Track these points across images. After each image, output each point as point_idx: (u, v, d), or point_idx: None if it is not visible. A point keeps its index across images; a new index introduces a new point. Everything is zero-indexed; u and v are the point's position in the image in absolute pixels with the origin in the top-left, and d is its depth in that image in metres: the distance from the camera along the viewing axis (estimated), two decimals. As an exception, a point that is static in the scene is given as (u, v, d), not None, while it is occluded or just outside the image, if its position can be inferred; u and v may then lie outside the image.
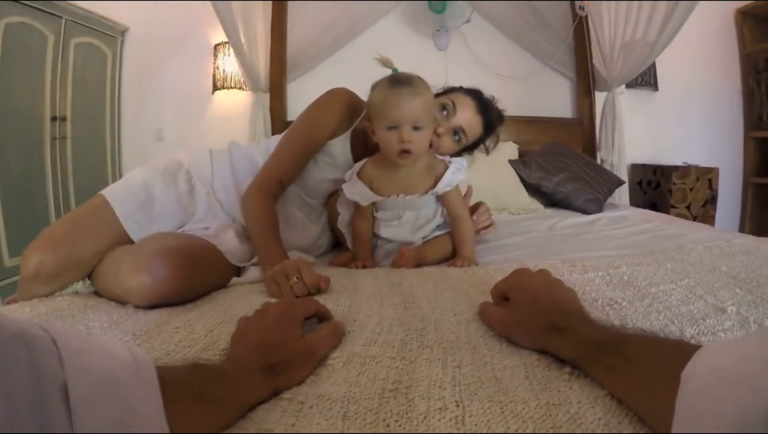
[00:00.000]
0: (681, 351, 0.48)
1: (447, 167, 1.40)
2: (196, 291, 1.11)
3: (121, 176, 3.37)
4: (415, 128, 1.27)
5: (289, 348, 0.67)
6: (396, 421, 0.55)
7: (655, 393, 0.50)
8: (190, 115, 3.54)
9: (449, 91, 1.57)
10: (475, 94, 1.56)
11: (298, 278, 1.04)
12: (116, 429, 0.37)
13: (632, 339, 0.60)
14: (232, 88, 3.40)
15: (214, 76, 3.43)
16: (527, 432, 0.52)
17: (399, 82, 1.28)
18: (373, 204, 1.46)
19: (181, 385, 0.50)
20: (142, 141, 3.55)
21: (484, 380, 0.64)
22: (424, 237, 1.47)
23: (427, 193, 1.41)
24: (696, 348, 0.47)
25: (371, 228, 1.48)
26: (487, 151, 1.70)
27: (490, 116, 1.56)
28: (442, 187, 1.40)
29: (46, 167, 2.87)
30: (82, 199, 1.31)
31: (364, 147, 1.48)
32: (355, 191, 1.42)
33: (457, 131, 1.50)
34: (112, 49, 3.38)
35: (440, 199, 1.46)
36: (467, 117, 1.50)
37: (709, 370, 0.42)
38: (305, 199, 1.58)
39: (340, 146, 1.48)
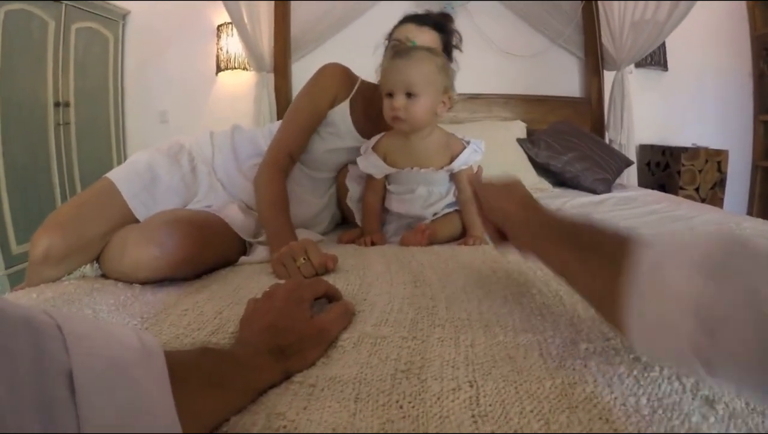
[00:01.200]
0: (624, 241, 0.54)
1: (464, 147, 1.43)
2: (205, 264, 1.12)
3: (125, 159, 3.35)
4: (409, 95, 1.30)
5: (299, 330, 0.66)
6: (409, 403, 0.54)
7: (607, 279, 0.54)
8: (194, 97, 3.52)
9: (398, 24, 1.53)
10: (420, 19, 1.51)
11: (305, 259, 1.04)
12: (123, 416, 0.36)
13: (586, 227, 0.65)
14: (236, 68, 3.37)
15: (217, 57, 3.40)
16: (543, 412, 0.51)
17: (399, 52, 1.34)
18: (386, 178, 1.47)
19: (190, 370, 0.49)
20: (146, 124, 3.53)
21: (498, 359, 0.63)
22: (434, 214, 1.46)
23: (442, 169, 1.42)
24: (634, 238, 0.53)
25: (381, 202, 1.49)
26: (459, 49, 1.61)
27: (444, 29, 1.52)
28: (457, 165, 1.42)
29: (51, 153, 2.86)
30: (87, 184, 1.31)
31: (363, 115, 1.52)
32: (369, 163, 1.43)
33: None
34: (113, 33, 3.35)
35: (454, 178, 1.46)
36: (425, 41, 1.45)
37: (654, 262, 0.48)
38: (309, 174, 1.59)
39: (340, 114, 1.51)
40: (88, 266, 1.18)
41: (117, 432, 0.36)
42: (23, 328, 0.34)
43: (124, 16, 3.43)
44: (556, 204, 2.15)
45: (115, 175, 1.29)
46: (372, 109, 1.50)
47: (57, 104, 2.87)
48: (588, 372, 0.58)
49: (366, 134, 1.52)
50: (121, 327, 0.43)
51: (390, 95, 1.33)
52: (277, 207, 1.33)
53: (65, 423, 0.33)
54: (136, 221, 1.23)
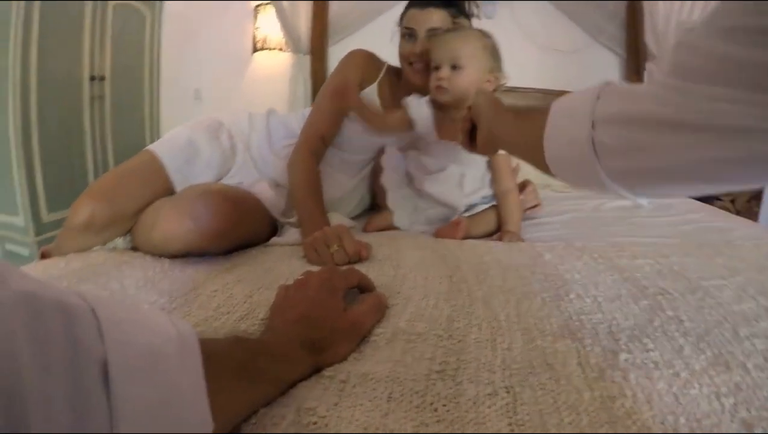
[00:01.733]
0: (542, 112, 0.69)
1: None
2: (236, 240, 1.12)
3: (159, 136, 3.38)
4: (454, 68, 1.34)
5: (331, 322, 0.64)
6: (444, 406, 0.52)
7: (532, 138, 0.71)
8: (229, 75, 3.51)
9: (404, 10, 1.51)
10: (422, 2, 1.48)
11: (338, 246, 1.02)
12: (156, 409, 0.34)
13: (520, 114, 0.86)
14: (272, 49, 3.35)
15: (254, 36, 3.39)
16: (581, 425, 0.49)
17: (451, 29, 1.39)
18: (418, 150, 1.48)
19: (223, 361, 0.47)
20: (180, 101, 3.54)
21: (535, 365, 0.61)
22: (469, 206, 1.43)
23: None
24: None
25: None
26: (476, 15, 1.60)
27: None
28: None
29: (85, 126, 2.89)
30: (120, 158, 1.32)
31: (391, 98, 1.53)
32: (420, 110, 1.42)
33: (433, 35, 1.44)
34: (150, 11, 3.35)
35: (491, 164, 1.46)
36: (431, 21, 1.43)
37: (559, 116, 0.67)
38: (341, 156, 1.59)
39: (369, 97, 1.52)
40: (121, 240, 1.19)
41: (148, 425, 0.34)
42: (56, 312, 0.32)
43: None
44: (592, 204, 2.12)
45: (157, 148, 1.30)
46: (400, 93, 1.51)
47: (92, 78, 2.89)
48: (627, 386, 0.56)
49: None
50: (156, 314, 0.41)
51: (436, 68, 1.36)
52: (310, 190, 1.34)
53: (96, 414, 0.31)
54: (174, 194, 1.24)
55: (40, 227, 2.61)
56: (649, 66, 0.70)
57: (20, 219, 2.58)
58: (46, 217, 2.64)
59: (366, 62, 1.54)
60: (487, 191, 1.46)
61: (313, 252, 1.05)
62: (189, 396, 0.38)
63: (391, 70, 1.56)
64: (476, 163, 1.45)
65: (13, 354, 0.28)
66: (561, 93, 2.36)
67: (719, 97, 0.45)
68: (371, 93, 1.52)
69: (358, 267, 0.91)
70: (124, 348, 0.34)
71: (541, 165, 0.70)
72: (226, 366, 0.47)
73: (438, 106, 1.41)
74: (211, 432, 0.39)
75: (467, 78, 1.35)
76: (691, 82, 0.48)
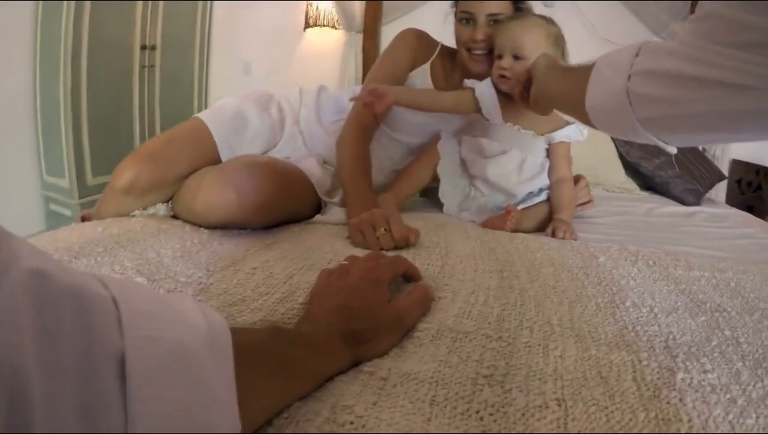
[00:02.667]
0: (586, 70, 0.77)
1: (568, 123, 1.44)
2: (279, 215, 1.10)
3: (206, 106, 3.40)
4: (516, 57, 1.32)
5: (375, 314, 0.60)
6: (490, 415, 0.48)
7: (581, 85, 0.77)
8: (279, 50, 3.51)
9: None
10: None
11: (386, 229, 0.99)
12: (180, 411, 0.31)
13: (568, 71, 0.94)
14: (324, 26, 3.33)
15: (306, 13, 3.38)
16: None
17: (515, 17, 1.36)
18: (479, 133, 1.46)
19: (259, 353, 0.45)
20: (229, 73, 3.55)
21: (589, 377, 0.56)
22: (524, 197, 1.41)
23: (542, 135, 1.43)
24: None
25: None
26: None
27: None
28: (559, 135, 1.43)
29: (134, 93, 2.94)
30: (167, 127, 1.32)
31: (444, 78, 1.51)
32: (487, 96, 1.40)
33: (493, 20, 1.39)
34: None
35: (550, 151, 1.44)
36: (491, 5, 1.38)
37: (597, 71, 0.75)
38: (389, 135, 1.56)
39: (420, 78, 1.50)
40: (163, 207, 1.17)
41: (168, 428, 0.30)
42: (69, 299, 0.29)
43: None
44: (644, 208, 2.05)
45: (206, 116, 1.29)
46: (453, 74, 1.51)
47: (144, 47, 2.93)
48: (683, 409, 0.52)
49: None
50: (186, 303, 0.38)
51: (499, 57, 1.34)
52: (360, 168, 1.30)
53: (109, 416, 0.28)
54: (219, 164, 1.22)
55: (84, 189, 2.67)
56: (673, 26, 0.68)
57: (65, 181, 2.64)
58: (90, 180, 2.70)
59: (418, 41, 1.51)
60: (545, 180, 1.43)
61: (358, 234, 1.02)
62: (216, 395, 0.34)
63: (445, 50, 1.53)
64: (537, 150, 1.43)
65: (19, 346, 0.25)
66: None
67: (731, 57, 0.53)
68: (423, 73, 1.49)
69: (404, 254, 0.87)
70: (146, 343, 0.31)
71: (583, 116, 0.78)
72: (259, 359, 0.44)
73: (501, 91, 1.39)
74: (238, 431, 0.35)
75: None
76: (712, 43, 0.55)
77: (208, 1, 3.42)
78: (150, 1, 2.92)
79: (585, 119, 0.78)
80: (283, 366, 0.47)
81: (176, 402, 0.31)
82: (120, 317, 0.30)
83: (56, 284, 0.28)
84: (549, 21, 1.37)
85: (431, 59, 1.51)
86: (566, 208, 1.37)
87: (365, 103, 1.23)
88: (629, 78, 0.65)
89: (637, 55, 0.66)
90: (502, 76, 1.34)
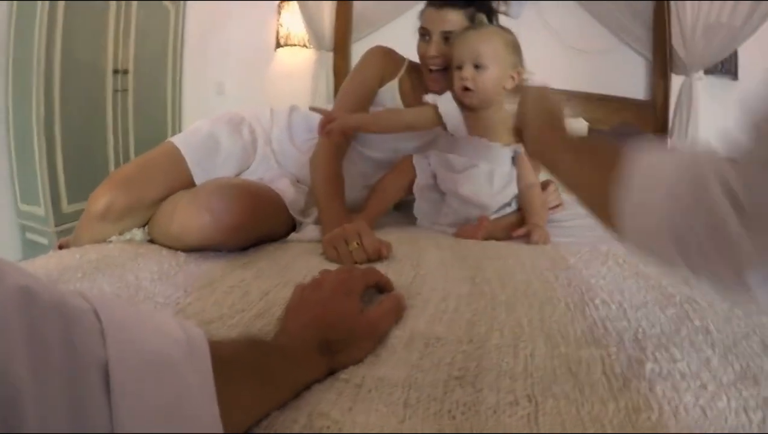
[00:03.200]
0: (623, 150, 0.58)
1: None
2: (254, 236, 1.11)
3: (181, 129, 3.40)
4: (477, 67, 1.32)
5: (348, 324, 0.62)
6: (462, 413, 0.50)
7: (603, 179, 0.58)
8: (251, 70, 3.52)
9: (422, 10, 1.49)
10: (438, 2, 1.44)
11: (358, 243, 1.01)
12: (161, 417, 0.33)
13: (582, 146, 0.75)
14: (295, 45, 3.36)
15: (277, 32, 3.40)
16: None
17: (471, 27, 1.36)
18: (445, 148, 1.47)
19: (235, 365, 0.46)
20: (202, 95, 3.55)
21: (558, 373, 0.58)
22: (498, 208, 1.42)
23: (508, 146, 1.42)
24: (621, 152, 0.58)
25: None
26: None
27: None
28: None
29: (107, 118, 2.92)
30: (141, 152, 1.33)
31: (412, 93, 1.52)
32: (450, 109, 1.39)
33: (446, 37, 1.41)
34: (174, 5, 3.38)
35: (516, 160, 1.44)
36: (446, 22, 1.40)
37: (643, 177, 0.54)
38: (361, 151, 1.58)
39: (390, 93, 1.52)
40: (139, 232, 1.18)
41: (152, 431, 0.32)
42: (54, 314, 0.30)
43: (187, -9, 3.45)
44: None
45: (178, 140, 1.30)
46: (421, 88, 1.50)
47: (116, 71, 2.91)
48: (653, 398, 0.53)
49: None
50: (164, 316, 0.40)
51: (459, 67, 1.34)
52: (333, 186, 1.33)
53: (96, 421, 0.30)
54: (193, 187, 1.23)
55: (60, 217, 2.64)
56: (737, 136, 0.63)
57: (41, 209, 2.61)
58: (66, 207, 2.67)
59: (385, 58, 1.54)
60: (515, 190, 1.44)
61: (332, 250, 1.04)
62: (197, 400, 0.36)
63: (413, 66, 1.55)
64: (504, 159, 1.43)
65: (11, 356, 0.27)
66: (586, 96, 2.36)
67: None
68: (392, 89, 1.51)
69: (377, 266, 0.89)
70: (127, 351, 0.33)
71: (604, 214, 0.60)
72: (237, 369, 0.45)
73: (464, 105, 1.39)
74: None
75: (491, 77, 1.34)
76: None
77: (179, 24, 3.43)
78: (121, 26, 2.91)
79: (608, 225, 0.61)
80: (260, 375, 0.48)
81: (158, 406, 0.33)
82: (102, 328, 0.32)
83: (42, 299, 0.30)
84: (504, 29, 1.39)
85: (399, 75, 1.53)
86: (538, 212, 1.39)
87: (325, 132, 1.25)
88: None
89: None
90: (466, 89, 1.34)
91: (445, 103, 1.39)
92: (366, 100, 1.51)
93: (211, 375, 0.38)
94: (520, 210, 1.43)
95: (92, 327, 0.32)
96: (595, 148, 0.70)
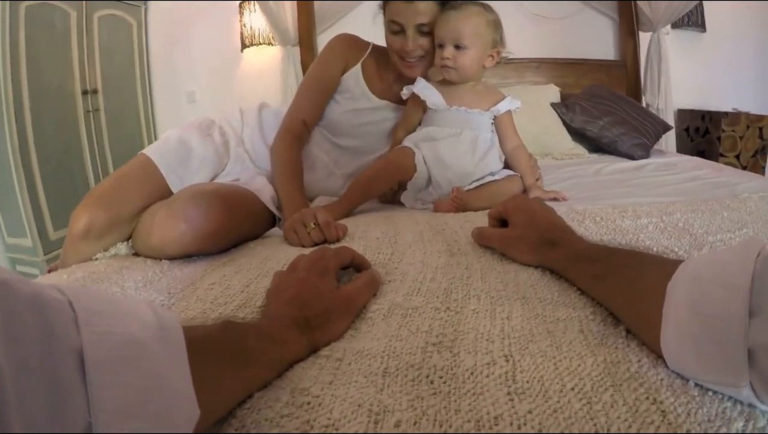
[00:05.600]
0: (664, 266, 0.53)
1: (505, 97, 1.50)
2: (234, 238, 1.12)
3: (156, 141, 3.38)
4: (457, 47, 1.38)
5: (324, 300, 0.63)
6: (440, 377, 0.51)
7: (640, 302, 0.55)
8: (220, 75, 3.52)
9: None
10: None
11: (315, 224, 1.04)
12: (137, 397, 0.34)
13: (618, 252, 0.68)
14: (261, 44, 3.36)
15: (241, 33, 3.39)
16: (584, 390, 0.47)
17: (452, 6, 1.39)
18: (429, 122, 1.50)
19: (210, 345, 0.47)
20: (175, 105, 3.55)
21: (536, 333, 0.59)
22: (478, 179, 1.43)
23: (487, 110, 1.47)
24: (677, 262, 0.51)
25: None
26: None
27: None
28: (503, 107, 1.48)
29: (82, 140, 2.92)
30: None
31: (377, 76, 1.56)
32: (427, 91, 1.46)
33: (422, 30, 1.41)
34: (136, 18, 3.36)
35: (497, 125, 1.50)
36: (419, 15, 1.39)
37: (691, 280, 0.48)
38: (332, 140, 1.60)
39: (353, 77, 1.55)
40: (123, 246, 1.18)
41: (129, 414, 0.33)
42: (30, 306, 0.31)
43: (146, 1, 3.43)
44: (593, 169, 2.09)
45: (150, 151, 1.31)
46: (385, 71, 1.55)
47: (85, 92, 2.91)
48: (631, 352, 0.54)
49: (381, 94, 1.56)
50: (137, 303, 0.41)
51: (441, 46, 1.39)
52: (291, 174, 1.37)
53: (74, 406, 0.31)
54: (171, 195, 1.24)
55: (47, 245, 2.64)
56: None
57: (28, 240, 2.61)
58: (52, 234, 2.68)
59: (347, 45, 1.57)
60: (497, 160, 1.48)
61: (292, 234, 1.07)
62: (173, 380, 0.37)
63: (377, 50, 1.56)
64: (485, 125, 1.48)
65: None
66: (556, 61, 2.38)
67: None
68: (356, 73, 1.53)
69: (355, 246, 0.90)
70: (101, 338, 0.33)
71: (650, 341, 0.54)
72: (214, 350, 0.47)
73: (441, 81, 1.47)
74: (197, 416, 0.38)
75: (471, 57, 1.39)
76: None
77: (143, 36, 3.41)
78: (85, 45, 2.90)
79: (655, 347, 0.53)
80: (236, 356, 0.49)
81: (134, 389, 0.34)
82: (76, 317, 0.33)
83: (18, 292, 0.31)
84: (486, 8, 1.42)
85: (362, 60, 1.55)
86: (529, 172, 1.45)
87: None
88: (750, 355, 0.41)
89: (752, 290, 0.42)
90: (445, 66, 1.40)
91: (421, 88, 1.44)
92: (326, 88, 1.55)
93: (186, 357, 0.39)
94: (498, 181, 1.44)
95: (67, 317, 0.33)
96: (626, 266, 0.63)
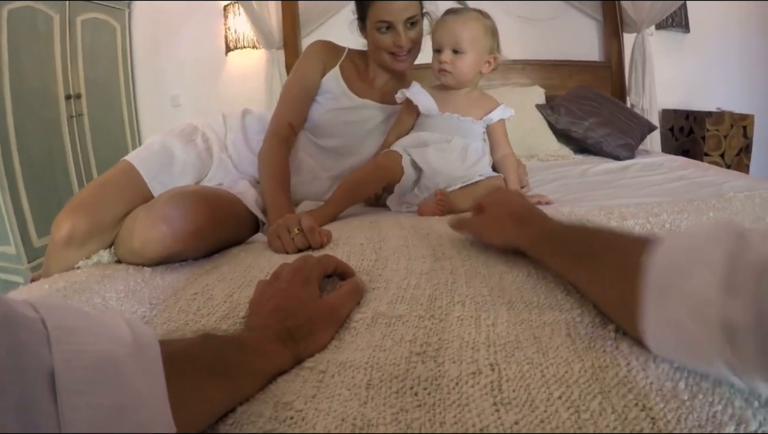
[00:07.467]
0: (639, 245, 0.53)
1: (498, 104, 1.52)
2: (216, 240, 1.11)
3: (140, 146, 3.36)
4: (455, 52, 1.39)
5: (307, 310, 0.62)
6: (425, 389, 0.50)
7: (618, 283, 0.55)
8: (205, 78, 3.49)
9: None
10: None
11: (299, 230, 1.04)
12: (110, 417, 0.33)
13: (592, 232, 0.69)
14: (245, 47, 3.34)
15: (225, 37, 3.37)
16: (572, 398, 0.47)
17: (451, 12, 1.43)
18: (420, 127, 1.51)
19: (188, 360, 0.46)
20: (159, 109, 3.52)
21: (522, 339, 0.58)
22: (465, 181, 1.42)
23: (480, 120, 1.49)
24: (653, 240, 0.52)
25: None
26: None
27: None
28: (496, 116, 1.49)
29: (66, 146, 2.88)
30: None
31: (356, 76, 1.59)
32: (420, 96, 1.48)
33: (410, 23, 1.45)
34: (120, 21, 3.33)
35: (489, 132, 1.52)
36: (406, 9, 1.43)
37: (668, 260, 0.49)
38: (316, 143, 1.60)
39: (333, 79, 1.57)
40: (106, 253, 1.17)
41: (101, 432, 0.32)
42: (2, 326, 0.31)
43: (129, 3, 3.40)
44: (579, 170, 2.09)
45: (132, 157, 1.31)
46: (364, 72, 1.60)
47: (68, 97, 2.87)
48: (620, 355, 0.53)
49: (361, 93, 1.58)
50: (113, 318, 0.40)
51: (438, 51, 1.42)
52: (278, 179, 1.38)
53: (45, 426, 0.30)
54: None
55: (32, 253, 2.61)
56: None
57: (11, 247, 2.57)
58: (36, 241, 2.64)
59: (324, 50, 1.59)
60: (485, 167, 1.48)
61: (276, 239, 1.06)
62: (147, 399, 0.36)
63: (354, 53, 1.60)
64: (476, 134, 1.49)
65: None
66: (541, 63, 2.40)
67: None
68: (335, 75, 1.57)
69: (339, 253, 0.89)
70: (73, 356, 0.33)
71: (629, 325, 0.55)
72: (192, 364, 0.46)
73: (437, 87, 1.50)
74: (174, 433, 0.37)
75: (469, 62, 1.41)
76: None
77: (126, 40, 3.38)
78: (68, 49, 2.86)
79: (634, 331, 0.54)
80: (215, 369, 0.48)
81: (105, 408, 0.33)
82: (48, 335, 0.32)
83: None
84: (484, 14, 1.44)
85: (339, 62, 1.58)
86: (515, 179, 1.47)
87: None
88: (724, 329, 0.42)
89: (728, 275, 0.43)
90: (443, 70, 1.42)
91: (415, 93, 1.46)
92: (308, 91, 1.57)
93: (162, 374, 0.38)
94: (483, 181, 1.43)
95: (38, 335, 0.32)
96: (603, 250, 0.63)
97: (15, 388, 0.29)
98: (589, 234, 0.68)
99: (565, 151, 2.58)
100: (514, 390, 0.49)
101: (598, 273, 0.61)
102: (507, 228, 0.84)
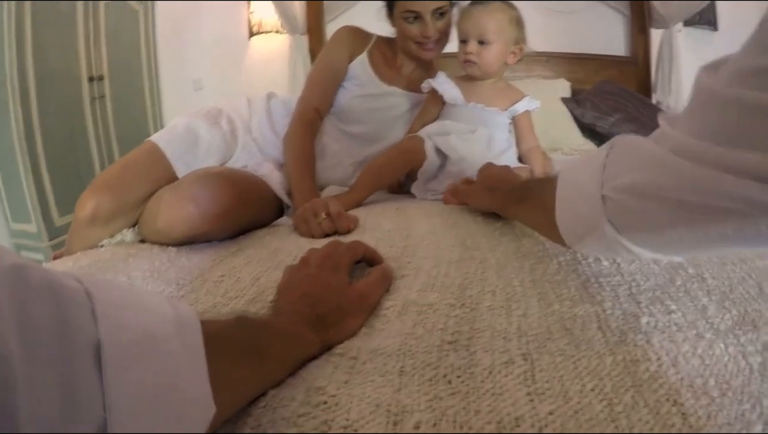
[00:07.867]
0: (553, 180, 0.68)
1: (524, 96, 1.52)
2: (241, 222, 1.12)
3: (162, 128, 3.38)
4: (481, 42, 1.39)
5: (336, 297, 0.62)
6: (458, 377, 0.49)
7: (546, 202, 0.68)
8: (227, 62, 3.51)
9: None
10: None
11: (326, 214, 1.03)
12: (154, 394, 0.33)
13: (533, 180, 0.99)
14: (268, 32, 3.35)
15: (249, 21, 3.38)
16: (605, 391, 0.46)
17: (476, 2, 1.42)
18: (445, 116, 1.50)
19: (226, 340, 0.46)
20: (181, 92, 3.54)
21: (553, 331, 0.58)
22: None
23: (506, 110, 1.48)
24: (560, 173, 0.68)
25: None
26: None
27: None
28: (521, 107, 1.49)
29: (88, 127, 2.90)
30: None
31: (383, 63, 1.59)
32: (446, 86, 1.48)
33: (439, 13, 1.45)
34: (143, 4, 3.34)
35: (514, 123, 1.51)
36: (435, 1, 1.43)
37: (568, 168, 0.67)
38: (342, 128, 1.60)
39: (360, 65, 1.57)
40: (129, 232, 1.18)
41: (144, 409, 0.32)
42: (46, 294, 0.30)
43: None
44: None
45: (157, 137, 1.31)
46: (391, 59, 1.60)
47: (91, 79, 2.89)
48: (651, 349, 0.53)
49: (388, 80, 1.58)
50: (155, 296, 0.40)
51: (464, 41, 1.42)
52: (303, 163, 1.39)
53: (89, 401, 0.29)
54: None
55: (52, 231, 2.64)
56: (661, 118, 0.64)
57: (33, 225, 2.60)
58: (57, 220, 2.66)
59: (351, 36, 1.59)
60: (514, 155, 1.49)
61: (303, 224, 1.06)
62: (189, 378, 0.36)
63: (382, 40, 1.59)
64: (501, 125, 1.49)
65: (2, 334, 0.27)
66: (566, 56, 2.40)
67: (734, 167, 0.40)
68: (362, 61, 1.57)
69: (366, 239, 0.89)
70: (119, 331, 0.32)
71: (555, 237, 0.70)
72: (228, 346, 0.45)
73: (463, 77, 1.49)
74: (213, 414, 0.37)
75: (494, 53, 1.41)
76: (707, 141, 0.43)
77: (149, 24, 3.38)
78: (91, 31, 2.88)
79: (564, 245, 0.69)
80: (250, 351, 0.48)
81: (150, 385, 0.33)
82: (93, 308, 0.32)
83: (34, 278, 0.30)
84: (509, 5, 1.43)
85: (367, 48, 1.57)
86: (540, 173, 1.44)
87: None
88: (603, 199, 0.56)
89: (604, 166, 0.57)
90: (468, 61, 1.42)
91: (441, 83, 1.46)
92: (335, 78, 1.57)
93: (203, 354, 0.38)
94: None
95: (84, 307, 0.32)
96: (536, 189, 0.82)
97: (59, 360, 0.29)
98: (530, 183, 0.90)
99: (590, 145, 2.55)
100: (547, 381, 0.48)
101: (531, 206, 0.80)
102: (485, 196, 1.02)
